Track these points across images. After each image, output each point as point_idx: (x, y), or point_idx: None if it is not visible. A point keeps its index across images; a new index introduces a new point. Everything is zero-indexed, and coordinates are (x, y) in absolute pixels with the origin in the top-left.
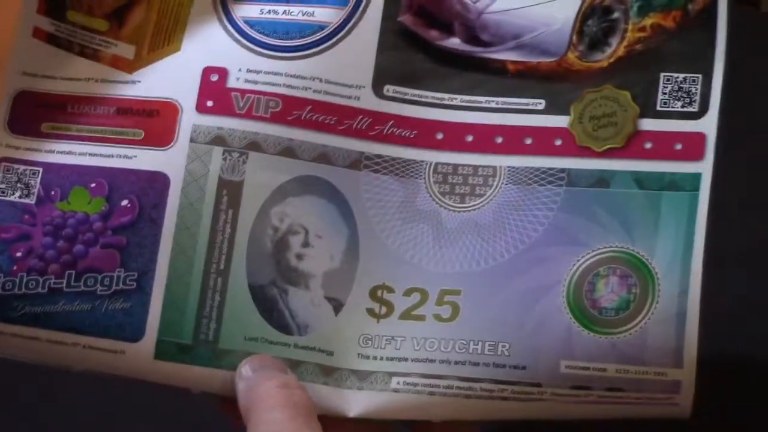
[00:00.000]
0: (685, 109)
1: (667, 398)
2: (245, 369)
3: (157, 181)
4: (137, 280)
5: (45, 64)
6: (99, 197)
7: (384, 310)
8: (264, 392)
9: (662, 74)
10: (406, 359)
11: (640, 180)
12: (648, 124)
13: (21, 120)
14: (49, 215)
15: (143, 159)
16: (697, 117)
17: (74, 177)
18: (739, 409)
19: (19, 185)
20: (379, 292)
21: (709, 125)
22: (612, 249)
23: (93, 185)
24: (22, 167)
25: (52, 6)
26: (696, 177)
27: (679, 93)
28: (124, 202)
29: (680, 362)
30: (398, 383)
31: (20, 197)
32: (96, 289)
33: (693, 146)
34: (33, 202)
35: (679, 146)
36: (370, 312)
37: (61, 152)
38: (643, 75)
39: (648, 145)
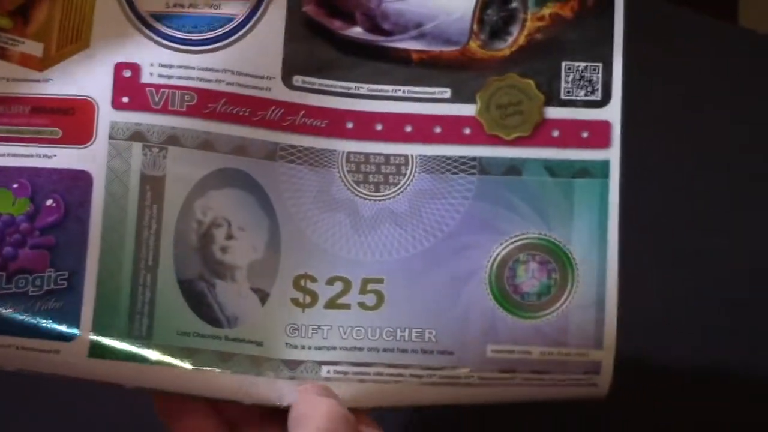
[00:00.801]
0: (588, 98)
1: (588, 378)
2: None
3: (80, 180)
4: (68, 279)
5: None
6: (23, 198)
7: (308, 299)
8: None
9: (564, 63)
10: (334, 348)
11: (551, 168)
12: (554, 113)
13: None
14: None
15: (63, 158)
16: (601, 105)
17: None
18: (652, 390)
19: None
20: (302, 282)
21: (612, 113)
22: (530, 236)
23: (15, 186)
24: None
25: None
26: (605, 164)
27: (582, 82)
28: (49, 202)
29: (600, 343)
30: (328, 372)
31: None
32: (28, 290)
33: (599, 134)
34: None
35: (585, 134)
36: (295, 301)
37: None
38: (545, 64)
39: (555, 133)
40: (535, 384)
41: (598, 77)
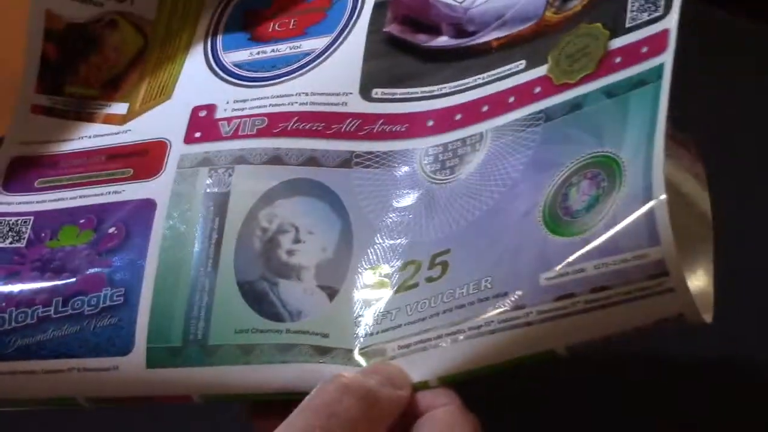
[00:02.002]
0: (651, 17)
1: (658, 284)
2: None
3: (145, 207)
4: (124, 294)
5: (40, 133)
6: (87, 230)
7: (380, 289)
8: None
9: None
10: (399, 326)
11: (609, 91)
12: (618, 43)
13: (15, 181)
14: (39, 253)
15: (131, 191)
16: (662, 18)
17: (64, 218)
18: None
19: (10, 233)
20: (375, 274)
21: (672, 20)
22: (584, 158)
23: (82, 221)
24: (14, 218)
25: (49, 85)
26: (660, 68)
27: (646, 5)
28: (112, 230)
29: (656, 238)
30: (393, 350)
31: (11, 243)
32: (83, 310)
33: (657, 43)
34: (23, 245)
35: (645, 49)
36: (366, 294)
37: (53, 200)
38: (612, 3)
39: (618, 60)
40: (600, 306)
41: None
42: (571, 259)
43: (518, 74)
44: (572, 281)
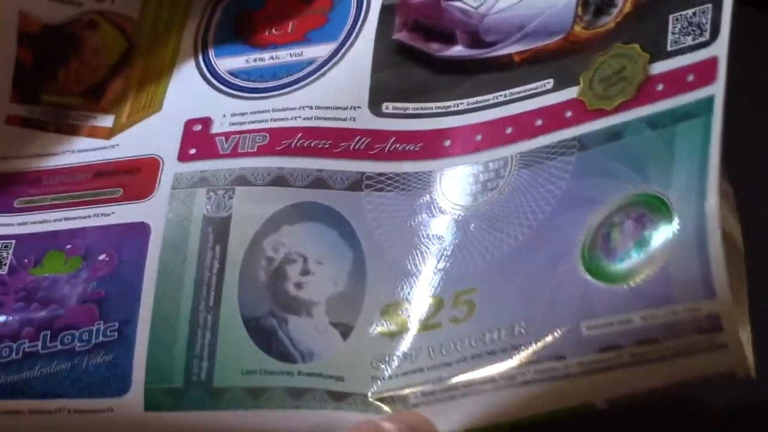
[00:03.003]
0: (696, 41)
1: (710, 339)
2: None
3: (137, 231)
4: (119, 329)
5: (19, 147)
6: (75, 257)
7: (398, 327)
8: None
9: (671, 16)
10: (422, 370)
11: (653, 122)
12: (659, 67)
13: None
14: (23, 282)
15: (121, 214)
16: (709, 44)
17: (48, 242)
18: None
19: None
20: (391, 310)
21: (720, 47)
22: (627, 196)
23: (68, 246)
24: None
25: (24, 93)
26: (710, 100)
27: (690, 28)
28: (102, 257)
29: (712, 291)
30: (416, 397)
31: None
32: (74, 346)
33: (705, 72)
34: (5, 272)
35: (691, 77)
36: (383, 332)
37: (35, 222)
38: (651, 23)
39: (660, 87)
40: (647, 360)
41: (707, 18)
42: (617, 308)
43: (545, 94)
44: (618, 332)
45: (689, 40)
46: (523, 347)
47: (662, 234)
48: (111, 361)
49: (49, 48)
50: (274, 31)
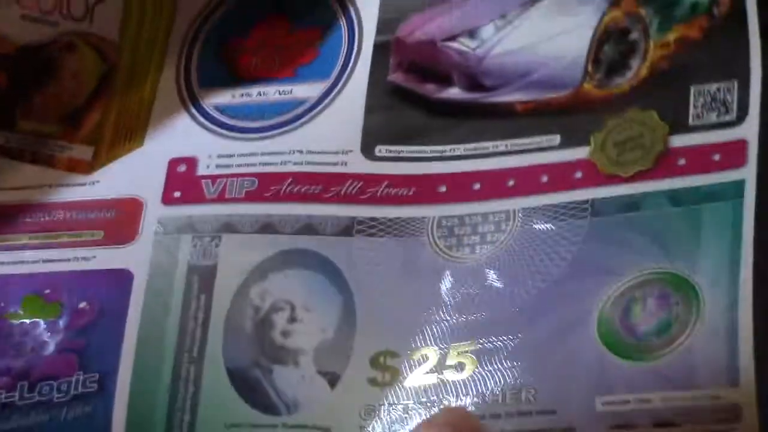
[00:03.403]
0: (721, 119)
1: (727, 429)
2: None
3: (120, 279)
4: (99, 381)
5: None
6: (54, 302)
7: (388, 377)
8: None
9: (692, 87)
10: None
11: (676, 197)
12: (680, 140)
13: None
14: None
15: (103, 258)
16: (736, 124)
17: (26, 285)
18: None
19: None
20: (381, 359)
21: (749, 130)
22: (648, 272)
23: (48, 291)
24: None
25: (1, 117)
26: (739, 184)
27: (714, 104)
28: (82, 305)
29: (736, 380)
30: None
31: None
32: (52, 397)
33: (733, 154)
34: None
35: (717, 157)
36: (372, 381)
37: (11, 262)
38: (670, 92)
39: (682, 162)
40: None
41: (732, 96)
42: (636, 387)
43: (551, 150)
44: (634, 412)
45: (713, 117)
46: (531, 414)
47: (689, 317)
48: (90, 414)
49: (25, 71)
50: (260, 63)
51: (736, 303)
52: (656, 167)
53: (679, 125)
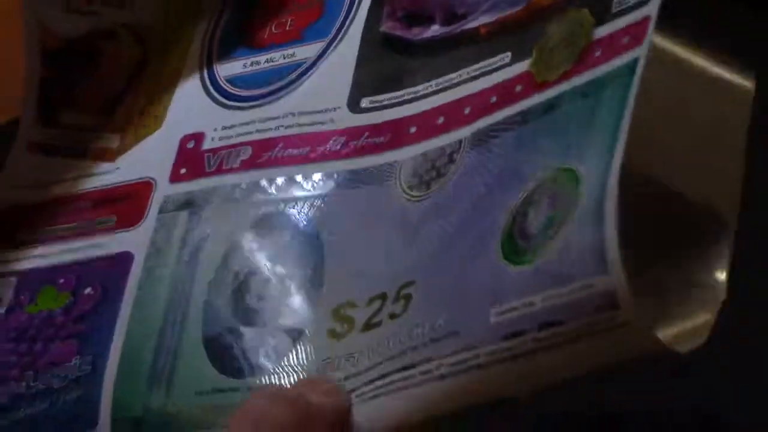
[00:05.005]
0: (636, 0)
1: (609, 318)
2: None
3: (122, 261)
4: (92, 363)
5: (36, 175)
6: (65, 292)
7: (345, 327)
8: None
9: None
10: (359, 373)
11: (584, 91)
12: (601, 32)
13: (2, 235)
14: (17, 321)
15: (112, 243)
16: (647, 2)
17: (44, 277)
18: None
19: None
20: (342, 311)
21: (653, 6)
22: (548, 172)
23: (61, 281)
24: None
25: (47, 113)
26: (633, 63)
27: None
28: (88, 290)
29: (605, 267)
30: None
31: None
32: (52, 383)
33: (638, 34)
34: (3, 311)
35: (626, 39)
36: (331, 333)
37: (35, 257)
38: None
39: (598, 53)
40: (550, 345)
41: None
42: (522, 292)
43: (503, 69)
44: (521, 317)
45: (630, 1)
46: (439, 340)
47: (569, 209)
48: (82, 396)
49: (70, 64)
50: (274, 29)
51: (605, 186)
52: (577, 64)
53: (604, 15)
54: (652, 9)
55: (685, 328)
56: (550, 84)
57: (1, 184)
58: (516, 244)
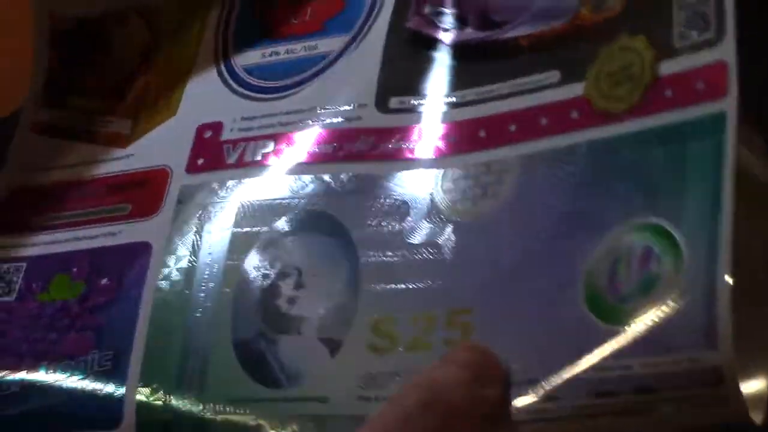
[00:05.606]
0: (702, 38)
1: (711, 393)
2: None
3: (140, 252)
4: (113, 359)
5: (43, 157)
6: (79, 281)
7: (387, 342)
8: None
9: (674, 1)
10: None
11: (663, 136)
12: (667, 67)
13: (10, 218)
14: (28, 309)
15: (127, 233)
16: (715, 43)
17: (56, 265)
18: None
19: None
20: (382, 325)
21: (727, 49)
22: (633, 224)
23: (75, 270)
24: (5, 265)
25: (53, 96)
26: (720, 117)
27: (695, 18)
28: (104, 281)
29: (714, 342)
30: None
31: (0, 296)
32: (70, 376)
33: (714, 81)
34: (13, 299)
35: (700, 85)
36: (372, 348)
37: (46, 243)
38: (657, 10)
39: (668, 93)
40: (643, 408)
41: (710, 7)
42: (618, 352)
43: (551, 89)
44: (616, 378)
45: (695, 35)
46: (517, 384)
47: (669, 275)
48: (104, 393)
49: (79, 45)
50: (293, 19)
51: (716, 259)
52: (645, 101)
53: (666, 48)
54: (725, 53)
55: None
56: (614, 118)
57: (11, 164)
58: (606, 301)
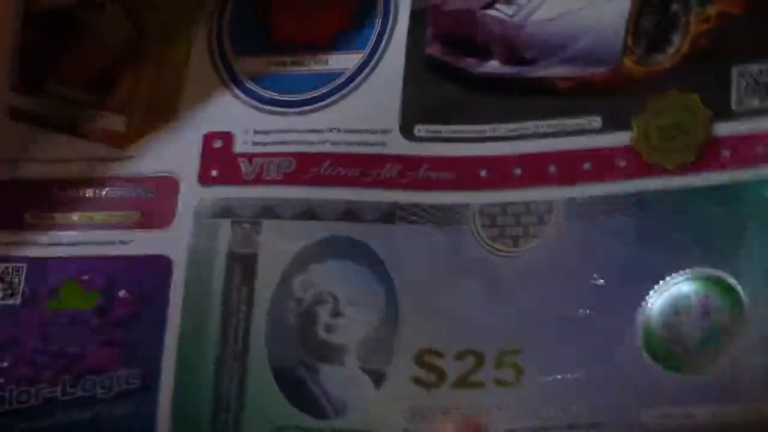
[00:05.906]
0: (763, 105)
1: None
2: None
3: (159, 266)
4: (141, 378)
5: (26, 147)
6: (93, 290)
7: (434, 377)
8: None
9: (734, 68)
10: None
11: (720, 194)
12: (723, 129)
13: (1, 212)
14: (38, 317)
15: (141, 242)
16: None
17: (63, 270)
18: None
19: (1, 285)
20: (426, 358)
21: None
22: (692, 276)
23: (86, 278)
24: (3, 265)
25: (29, 80)
26: None
27: (757, 87)
28: (122, 293)
29: None
30: None
31: (3, 298)
32: (95, 393)
33: None
34: (18, 303)
35: (760, 148)
36: (418, 381)
37: (48, 244)
38: (712, 73)
39: (726, 153)
40: None
41: None
42: (680, 400)
43: (593, 134)
44: (679, 426)
45: (756, 103)
46: (579, 428)
47: (733, 327)
48: (134, 412)
49: (55, 30)
50: (294, 24)
51: None
52: (701, 158)
53: (722, 110)
54: None
55: None
56: (668, 172)
57: None
58: (668, 350)
